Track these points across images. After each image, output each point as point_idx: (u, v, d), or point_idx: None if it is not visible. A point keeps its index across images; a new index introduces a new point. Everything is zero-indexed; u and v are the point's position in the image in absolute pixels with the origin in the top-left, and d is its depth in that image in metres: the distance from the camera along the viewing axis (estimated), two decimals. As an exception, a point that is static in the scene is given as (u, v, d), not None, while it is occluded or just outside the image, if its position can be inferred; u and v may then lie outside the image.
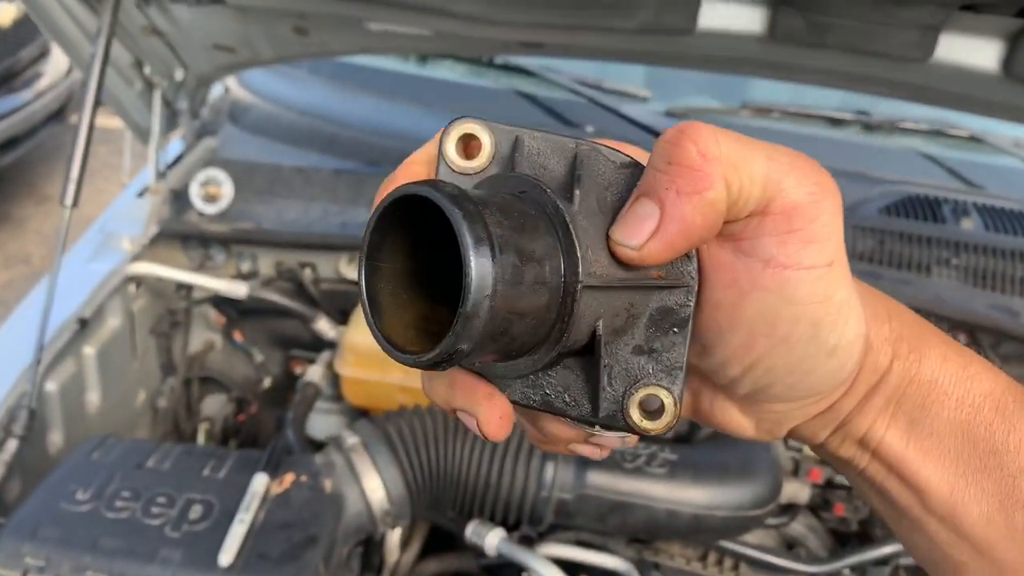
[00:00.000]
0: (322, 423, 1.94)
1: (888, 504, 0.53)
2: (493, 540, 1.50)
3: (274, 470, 1.44)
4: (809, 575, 1.64)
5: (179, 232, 1.95)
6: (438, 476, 1.48)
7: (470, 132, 0.48)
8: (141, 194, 2.07)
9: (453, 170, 0.49)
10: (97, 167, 5.42)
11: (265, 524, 1.36)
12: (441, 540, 1.76)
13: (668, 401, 0.47)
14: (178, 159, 2.20)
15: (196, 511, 1.37)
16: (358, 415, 1.93)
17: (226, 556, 1.29)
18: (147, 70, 1.95)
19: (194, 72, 2.03)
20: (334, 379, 1.94)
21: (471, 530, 1.53)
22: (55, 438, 1.76)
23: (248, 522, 1.34)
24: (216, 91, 2.44)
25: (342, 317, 2.03)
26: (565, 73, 2.28)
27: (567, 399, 0.48)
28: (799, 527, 1.81)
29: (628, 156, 0.48)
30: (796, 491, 1.76)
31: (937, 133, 2.23)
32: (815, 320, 0.46)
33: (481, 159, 0.48)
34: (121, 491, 1.39)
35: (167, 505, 1.38)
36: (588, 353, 0.47)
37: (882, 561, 1.67)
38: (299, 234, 1.92)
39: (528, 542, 1.59)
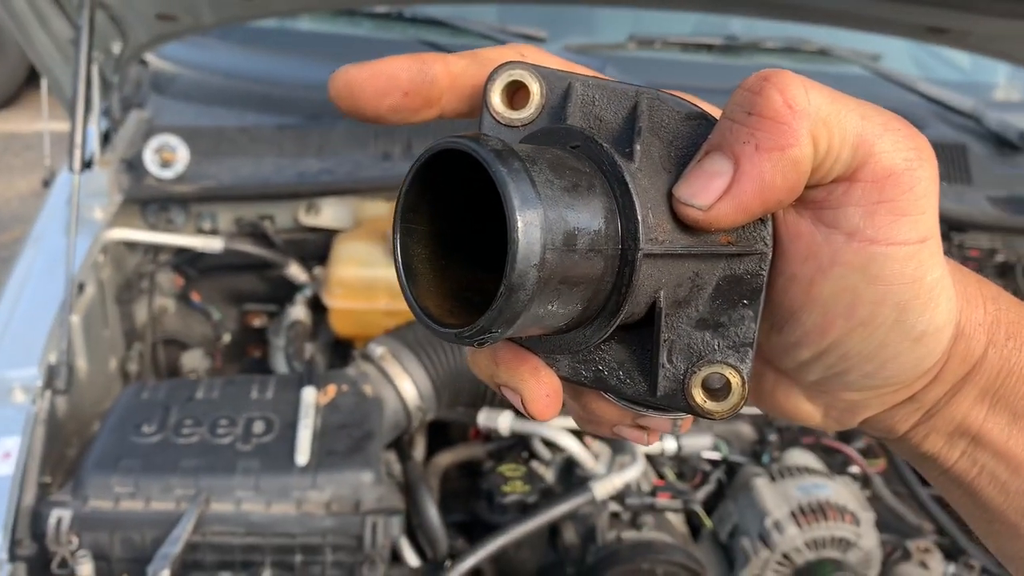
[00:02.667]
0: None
1: (979, 507, 0.48)
2: (505, 421, 1.75)
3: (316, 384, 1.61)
4: (751, 416, 1.99)
5: (147, 197, 2.03)
6: (456, 371, 1.70)
7: (518, 79, 0.44)
8: (88, 166, 2.13)
9: (499, 122, 0.44)
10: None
11: (325, 428, 1.54)
12: (439, 441, 1.98)
13: (735, 380, 0.42)
14: (107, 133, 2.25)
15: (259, 427, 1.54)
16: (333, 351, 2.11)
17: (302, 456, 1.47)
18: (87, 44, 2.00)
19: (132, 44, 2.10)
20: (311, 319, 2.10)
21: (483, 417, 1.76)
22: (59, 403, 1.83)
23: (311, 427, 1.52)
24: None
25: (304, 263, 2.18)
26: (471, 20, 2.48)
27: (621, 376, 0.44)
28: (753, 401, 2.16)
29: (697, 107, 0.43)
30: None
31: (791, 50, 2.61)
32: (901, 303, 0.41)
33: (529, 109, 0.44)
34: (184, 420, 1.53)
35: (230, 425, 1.53)
36: (646, 326, 0.43)
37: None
38: (267, 185, 2.05)
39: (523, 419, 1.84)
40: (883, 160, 0.40)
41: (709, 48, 2.60)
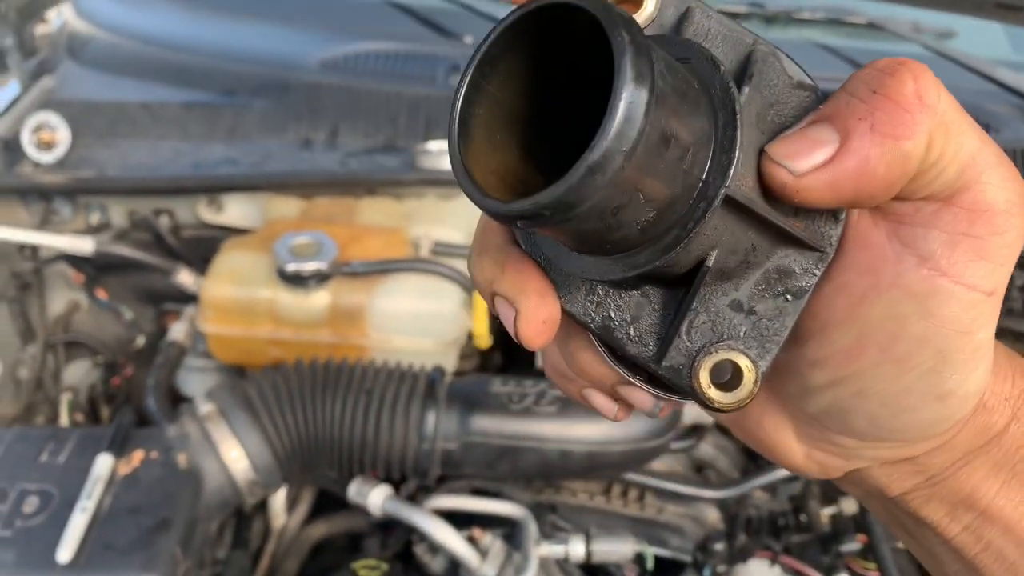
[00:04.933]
0: (199, 382, 1.78)
1: None
2: (377, 499, 1.40)
3: (120, 448, 1.29)
4: (714, 499, 1.57)
5: (11, 187, 1.74)
6: (308, 437, 1.35)
7: None
8: (-33, 145, 1.85)
9: None
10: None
11: (112, 511, 1.22)
12: (332, 498, 1.65)
13: (749, 374, 0.38)
14: (12, 104, 1.96)
15: (31, 503, 1.23)
16: (238, 372, 1.79)
17: (65, 551, 1.15)
18: (-47, 3, 1.71)
19: (12, 3, 1.79)
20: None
21: (354, 490, 1.42)
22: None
23: (91, 510, 1.20)
24: (56, 23, 2.19)
25: (208, 266, 1.86)
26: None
27: (631, 332, 0.40)
28: (708, 448, 1.73)
29: (809, 78, 0.40)
30: (701, 411, 1.68)
31: (834, 22, 2.10)
32: (944, 351, 0.38)
33: (640, 17, 0.40)
34: (-57, 488, 1.23)
35: (-3, 500, 1.23)
36: (679, 285, 0.40)
37: (792, 478, 1.61)
38: (145, 179, 1.73)
39: (424, 493, 1.48)
40: (987, 193, 0.37)
41: (732, 17, 2.11)
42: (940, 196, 0.37)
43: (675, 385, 0.40)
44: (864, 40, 2.11)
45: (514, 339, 0.40)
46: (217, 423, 1.31)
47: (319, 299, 1.57)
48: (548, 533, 1.39)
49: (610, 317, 0.41)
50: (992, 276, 0.38)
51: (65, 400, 1.83)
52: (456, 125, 0.36)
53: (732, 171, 0.36)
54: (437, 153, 1.74)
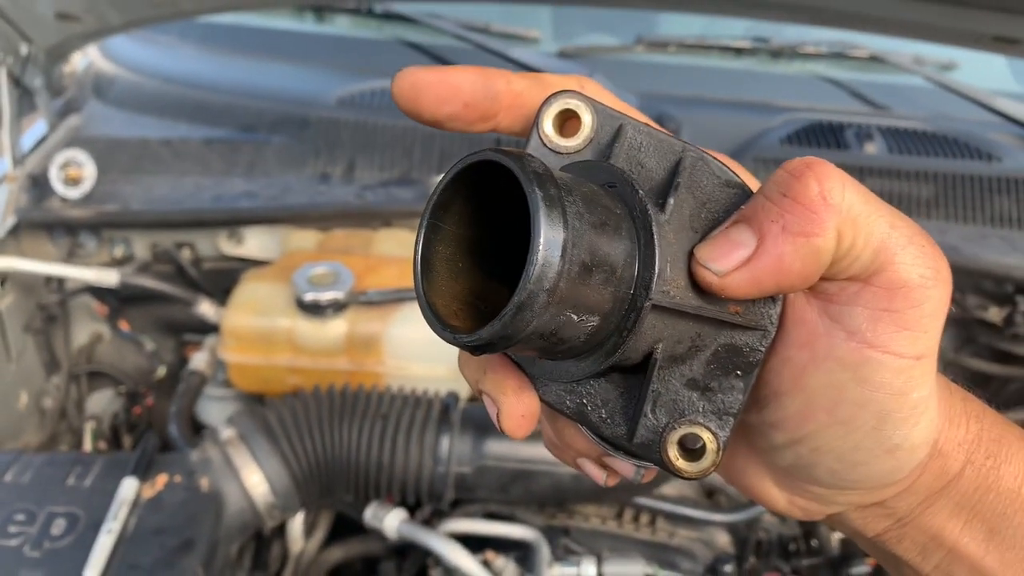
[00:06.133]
0: (219, 411, 1.82)
1: None
2: (392, 522, 1.43)
3: (145, 472, 1.33)
4: (725, 523, 1.59)
5: (39, 221, 1.80)
6: (326, 461, 1.38)
7: (572, 109, 0.45)
8: (-3, 181, 1.91)
9: (545, 145, 0.45)
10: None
11: (136, 532, 1.26)
12: (349, 523, 1.68)
13: (712, 445, 0.43)
14: (41, 142, 2.03)
15: (59, 526, 1.26)
16: (257, 400, 1.82)
17: (91, 572, 1.19)
18: (-15, 46, 1.78)
19: (41, 46, 1.86)
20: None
21: (370, 514, 1.45)
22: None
23: (116, 532, 1.24)
24: (82, 64, 2.27)
25: (228, 297, 1.91)
26: (449, 19, 2.15)
27: (603, 415, 0.45)
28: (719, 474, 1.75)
29: (736, 176, 0.44)
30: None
31: (838, 55, 2.15)
32: (883, 412, 0.42)
33: (578, 140, 0.45)
34: (-27, 511, 1.27)
35: (26, 522, 1.26)
36: (639, 372, 0.44)
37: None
38: (168, 213, 1.78)
39: (439, 517, 1.51)
40: (900, 271, 0.41)
41: (737, 52, 2.17)
42: (860, 277, 0.41)
43: (648, 459, 0.44)
44: (868, 73, 2.16)
45: (500, 430, 0.45)
46: (238, 448, 1.35)
47: (336, 328, 1.61)
48: (560, 556, 1.42)
49: (583, 403, 0.45)
50: (917, 343, 0.41)
51: (88, 429, 1.87)
52: (419, 264, 0.41)
53: (654, 285, 0.40)
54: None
